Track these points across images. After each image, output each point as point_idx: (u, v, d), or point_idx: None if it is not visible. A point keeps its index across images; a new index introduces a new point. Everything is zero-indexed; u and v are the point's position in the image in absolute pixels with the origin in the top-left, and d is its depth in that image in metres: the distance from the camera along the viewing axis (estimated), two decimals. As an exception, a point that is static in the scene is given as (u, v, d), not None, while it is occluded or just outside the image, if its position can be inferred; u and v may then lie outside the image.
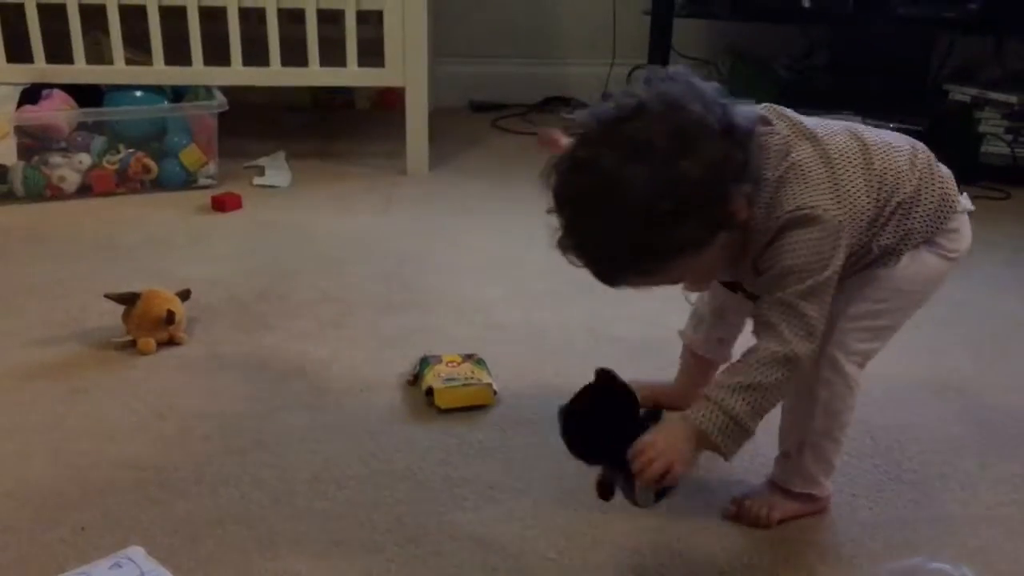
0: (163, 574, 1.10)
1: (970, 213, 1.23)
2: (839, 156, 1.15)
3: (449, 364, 1.54)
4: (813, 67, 2.95)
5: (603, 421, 1.14)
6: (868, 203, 1.15)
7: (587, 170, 1.07)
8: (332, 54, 2.49)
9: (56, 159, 2.33)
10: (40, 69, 2.41)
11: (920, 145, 1.23)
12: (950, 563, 1.04)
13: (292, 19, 2.50)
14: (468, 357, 1.57)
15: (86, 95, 2.41)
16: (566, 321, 1.76)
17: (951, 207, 1.20)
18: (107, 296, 1.66)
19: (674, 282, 1.17)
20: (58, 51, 2.41)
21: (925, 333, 1.73)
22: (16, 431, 1.41)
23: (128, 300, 1.65)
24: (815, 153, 1.14)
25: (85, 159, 2.35)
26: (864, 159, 1.16)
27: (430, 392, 1.49)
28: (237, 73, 2.49)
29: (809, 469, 1.23)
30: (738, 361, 1.14)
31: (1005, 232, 2.30)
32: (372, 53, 2.51)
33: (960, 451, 1.41)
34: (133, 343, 1.64)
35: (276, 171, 2.56)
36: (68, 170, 2.33)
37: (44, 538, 1.18)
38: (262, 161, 2.61)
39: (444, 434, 1.42)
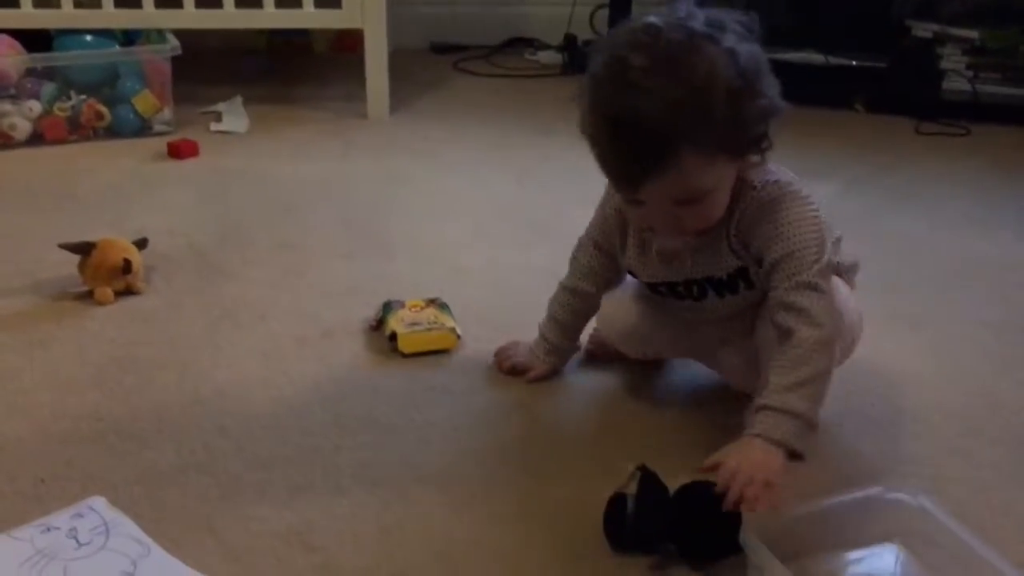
0: (126, 523, 1.10)
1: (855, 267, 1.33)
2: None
3: (412, 309, 1.54)
4: (772, 3, 2.93)
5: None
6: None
7: (676, 29, 1.06)
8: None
9: (5, 106, 2.27)
10: (-16, 13, 2.34)
11: None
12: (908, 492, 1.07)
13: (245, -42, 2.44)
14: (431, 302, 1.56)
15: (34, 40, 2.35)
16: (528, 264, 1.76)
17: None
18: (61, 246, 1.63)
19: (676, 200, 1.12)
20: (3, -6, 2.34)
21: (885, 269, 1.75)
22: (-29, 384, 1.39)
23: (83, 250, 1.63)
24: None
25: (35, 106, 2.29)
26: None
27: (393, 337, 1.48)
28: (190, 15, 2.43)
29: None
30: (781, 356, 1.13)
31: (965, 168, 2.32)
32: (329, -7, 2.46)
33: (918, 385, 1.43)
34: (90, 293, 1.61)
35: (233, 117, 2.51)
36: (18, 118, 2.28)
37: (3, 490, 1.17)
38: (219, 107, 2.56)
39: (408, 379, 1.42)
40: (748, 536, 0.99)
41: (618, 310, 1.37)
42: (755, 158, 1.14)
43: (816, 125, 2.50)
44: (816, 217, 1.16)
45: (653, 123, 1.05)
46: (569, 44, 3.11)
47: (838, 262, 1.24)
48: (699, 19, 1.08)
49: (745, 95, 1.07)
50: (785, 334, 1.13)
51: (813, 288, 1.12)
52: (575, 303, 1.39)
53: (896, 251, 1.87)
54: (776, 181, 1.16)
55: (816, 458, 1.26)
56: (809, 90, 2.64)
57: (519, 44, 3.23)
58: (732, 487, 1.05)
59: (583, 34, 3.11)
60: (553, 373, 1.42)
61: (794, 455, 1.12)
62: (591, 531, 1.11)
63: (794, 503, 1.07)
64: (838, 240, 1.26)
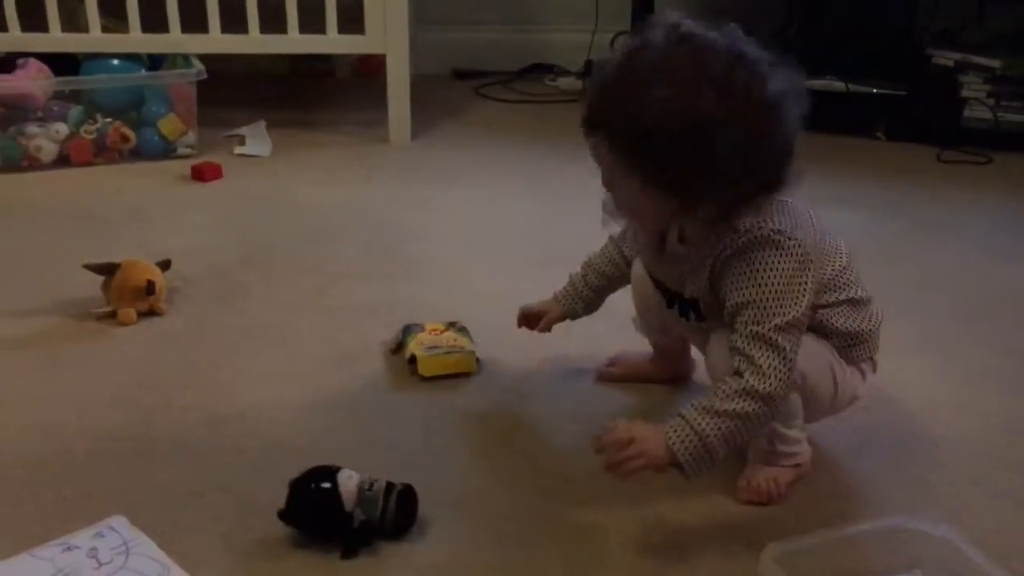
0: (146, 543, 1.10)
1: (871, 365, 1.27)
2: (813, 219, 1.17)
3: (432, 332, 1.54)
4: (794, 31, 2.94)
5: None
6: (835, 267, 1.19)
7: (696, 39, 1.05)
8: (312, 21, 2.47)
9: (32, 129, 2.30)
10: (15, 38, 2.37)
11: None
12: (930, 522, 1.06)
13: (271, -15, 2.47)
14: (451, 325, 1.57)
15: (62, 64, 2.38)
16: (548, 289, 1.74)
17: (875, 349, 1.25)
18: (86, 266, 1.65)
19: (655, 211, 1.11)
20: (33, 19, 2.37)
21: (908, 296, 1.74)
22: (-4, 403, 1.40)
23: (108, 270, 1.64)
24: (796, 202, 1.15)
25: (62, 129, 2.32)
26: (834, 236, 1.21)
27: (413, 360, 1.49)
28: (215, 40, 2.46)
29: (783, 432, 1.21)
30: (721, 384, 1.11)
31: (987, 196, 2.31)
32: (352, 20, 2.48)
33: (942, 413, 1.42)
34: (113, 314, 1.63)
35: (257, 140, 2.54)
36: (45, 140, 2.31)
37: (26, 508, 1.18)
38: (243, 130, 2.59)
39: (427, 402, 1.42)
40: (768, 563, 0.98)
41: (644, 278, 1.34)
42: (706, 211, 1.08)
43: (837, 153, 2.50)
44: (795, 271, 1.10)
45: (604, 102, 1.07)
46: (589, 70, 3.12)
47: (850, 298, 1.21)
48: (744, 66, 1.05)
49: (700, 152, 1.02)
50: (734, 373, 1.12)
51: (768, 342, 1.09)
52: (613, 254, 1.39)
53: (919, 279, 1.86)
54: (763, 226, 1.10)
55: (837, 487, 1.25)
56: (830, 118, 2.66)
57: (540, 70, 3.25)
58: (616, 452, 1.09)
59: (604, 61, 3.13)
60: (565, 318, 1.43)
61: (681, 468, 1.10)
62: (613, 557, 1.10)
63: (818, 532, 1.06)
64: (844, 268, 1.21)
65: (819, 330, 1.19)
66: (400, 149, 2.55)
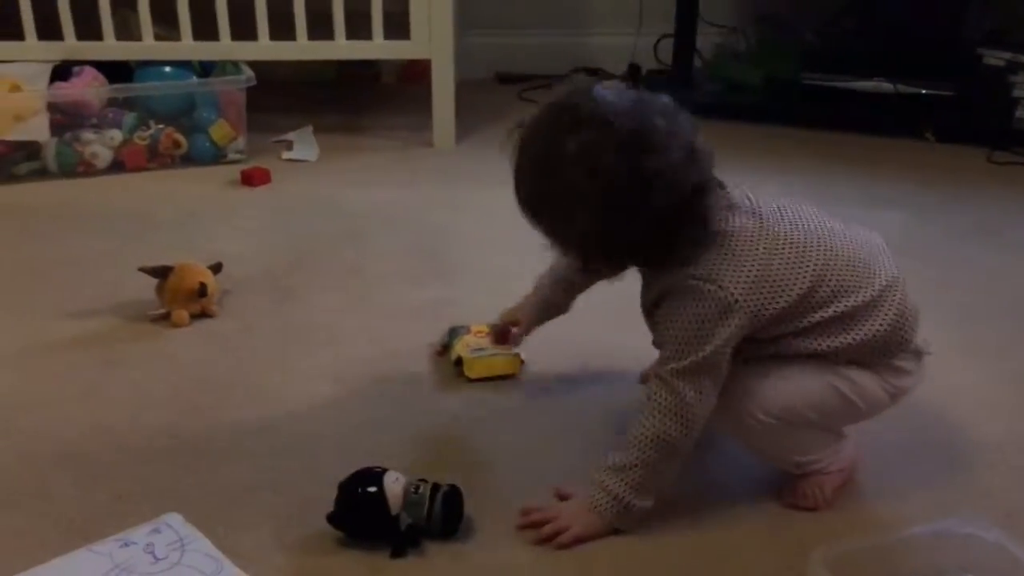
0: (200, 540, 1.12)
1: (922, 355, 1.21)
2: (776, 243, 1.12)
3: (477, 334, 1.55)
4: (842, 32, 2.91)
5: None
6: (792, 298, 1.11)
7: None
8: (358, 27, 2.49)
9: (88, 135, 2.35)
10: (71, 46, 2.43)
11: (894, 273, 1.17)
12: (982, 526, 1.05)
13: (318, -8, 2.50)
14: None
15: (116, 71, 2.43)
16: (591, 291, 1.76)
17: (902, 343, 1.17)
18: (141, 269, 1.68)
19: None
20: (88, 28, 2.43)
21: (959, 299, 1.72)
22: (54, 401, 1.44)
23: (161, 273, 1.68)
24: (754, 229, 1.12)
25: (116, 135, 2.37)
26: (800, 256, 1.12)
27: (459, 362, 1.50)
28: (264, 47, 2.49)
29: (802, 460, 1.19)
30: (627, 431, 1.15)
31: (1039, 198, 2.27)
32: (398, 25, 2.50)
33: (993, 416, 1.40)
34: (167, 316, 1.66)
35: (304, 145, 2.57)
36: (100, 146, 2.36)
37: (83, 505, 1.21)
38: (290, 135, 2.62)
39: (473, 403, 1.44)
40: (817, 567, 0.98)
41: None
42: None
43: (886, 154, 2.47)
44: (706, 317, 1.09)
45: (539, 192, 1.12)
46: (633, 74, 3.12)
47: (839, 313, 1.12)
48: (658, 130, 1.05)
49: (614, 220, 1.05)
50: (635, 420, 1.15)
51: (666, 383, 1.11)
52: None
53: (970, 281, 1.83)
54: (686, 271, 1.10)
55: (889, 490, 1.24)
56: (879, 119, 2.64)
57: (583, 74, 3.25)
58: (544, 527, 1.14)
59: (647, 64, 3.13)
60: (540, 324, 1.44)
61: (612, 528, 1.15)
62: (662, 558, 1.10)
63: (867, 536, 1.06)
64: (820, 283, 1.13)
65: (809, 354, 1.14)
66: (444, 153, 2.57)
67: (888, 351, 1.17)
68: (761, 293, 1.10)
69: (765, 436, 1.16)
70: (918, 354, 1.20)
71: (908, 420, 1.33)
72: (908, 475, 1.27)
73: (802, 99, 2.74)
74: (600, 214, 1.05)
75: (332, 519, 1.14)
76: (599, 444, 1.34)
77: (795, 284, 1.11)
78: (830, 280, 1.13)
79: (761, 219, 1.13)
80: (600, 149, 1.03)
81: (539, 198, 1.11)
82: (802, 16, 2.95)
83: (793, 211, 1.17)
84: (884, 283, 1.15)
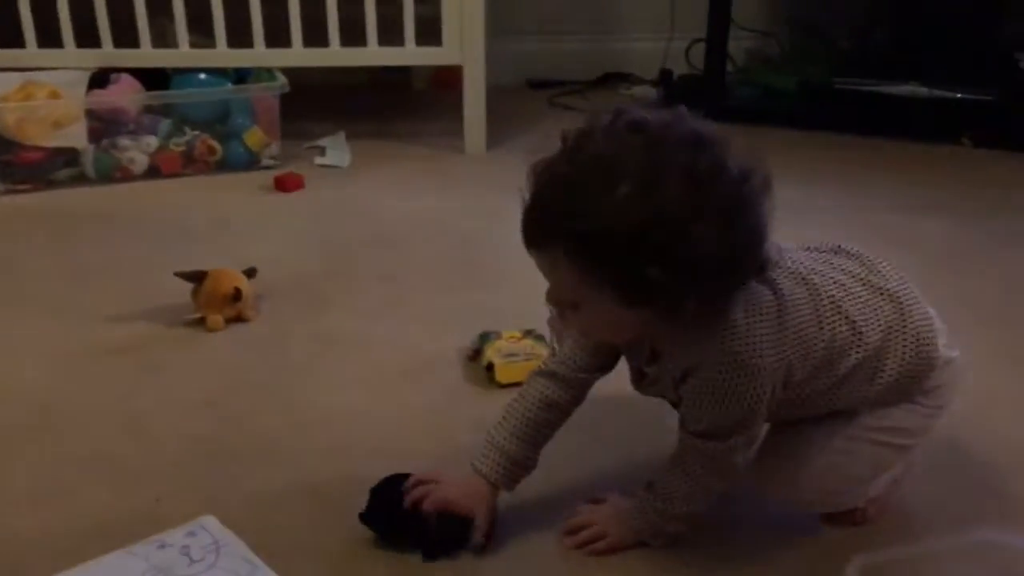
0: (235, 543, 1.13)
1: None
2: (799, 304, 1.03)
3: (509, 340, 1.55)
4: (875, 37, 2.89)
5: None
6: (819, 352, 1.03)
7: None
8: (390, 33, 2.51)
9: (125, 142, 2.38)
10: (108, 54, 2.46)
11: (899, 295, 1.09)
12: (1019, 536, 1.03)
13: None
14: (528, 333, 1.58)
15: (152, 79, 2.46)
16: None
17: (928, 364, 1.09)
18: (177, 274, 1.70)
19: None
20: (125, 36, 2.46)
21: (997, 306, 1.70)
22: (90, 405, 1.46)
23: (196, 278, 1.69)
24: (801, 294, 1.03)
25: (152, 141, 2.40)
26: (815, 307, 1.04)
27: (490, 367, 1.51)
28: (297, 54, 2.52)
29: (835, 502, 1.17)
30: (665, 469, 1.12)
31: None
32: (429, 32, 2.52)
33: (1030, 427, 1.38)
34: (202, 320, 1.68)
35: (337, 151, 2.59)
36: (136, 152, 2.39)
37: (120, 508, 1.23)
38: (323, 141, 2.64)
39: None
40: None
41: None
42: (684, 314, 0.95)
43: (922, 160, 2.45)
44: (744, 389, 1.01)
45: (553, 208, 0.99)
46: (665, 79, 3.12)
47: (856, 363, 1.06)
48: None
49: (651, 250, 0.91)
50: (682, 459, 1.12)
51: (713, 459, 1.08)
52: (550, 393, 1.21)
53: (1008, 288, 1.81)
54: (739, 350, 0.99)
55: (923, 500, 1.23)
56: (914, 124, 2.61)
57: (615, 79, 3.25)
58: (581, 533, 1.15)
59: (679, 69, 3.12)
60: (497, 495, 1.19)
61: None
62: (696, 566, 1.10)
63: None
64: (833, 329, 1.05)
65: (843, 411, 1.09)
66: (475, 159, 2.57)
67: (920, 383, 1.10)
68: (796, 353, 1.02)
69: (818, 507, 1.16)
70: (947, 362, 1.13)
71: (943, 428, 1.30)
72: (942, 483, 1.26)
73: (835, 104, 2.71)
74: (725, 234, 0.92)
75: (364, 517, 1.14)
76: (635, 449, 1.34)
77: (819, 337, 1.04)
78: (874, 304, 1.07)
79: (807, 283, 1.04)
80: (697, 161, 0.92)
81: (643, 231, 0.92)
82: (835, 20, 2.93)
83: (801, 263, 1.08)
84: (885, 325, 1.07)
